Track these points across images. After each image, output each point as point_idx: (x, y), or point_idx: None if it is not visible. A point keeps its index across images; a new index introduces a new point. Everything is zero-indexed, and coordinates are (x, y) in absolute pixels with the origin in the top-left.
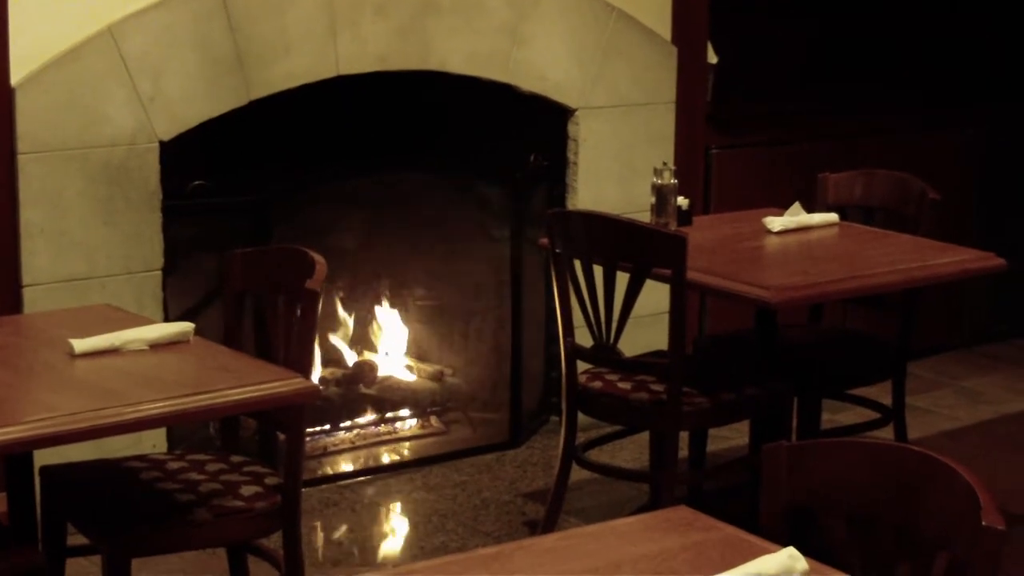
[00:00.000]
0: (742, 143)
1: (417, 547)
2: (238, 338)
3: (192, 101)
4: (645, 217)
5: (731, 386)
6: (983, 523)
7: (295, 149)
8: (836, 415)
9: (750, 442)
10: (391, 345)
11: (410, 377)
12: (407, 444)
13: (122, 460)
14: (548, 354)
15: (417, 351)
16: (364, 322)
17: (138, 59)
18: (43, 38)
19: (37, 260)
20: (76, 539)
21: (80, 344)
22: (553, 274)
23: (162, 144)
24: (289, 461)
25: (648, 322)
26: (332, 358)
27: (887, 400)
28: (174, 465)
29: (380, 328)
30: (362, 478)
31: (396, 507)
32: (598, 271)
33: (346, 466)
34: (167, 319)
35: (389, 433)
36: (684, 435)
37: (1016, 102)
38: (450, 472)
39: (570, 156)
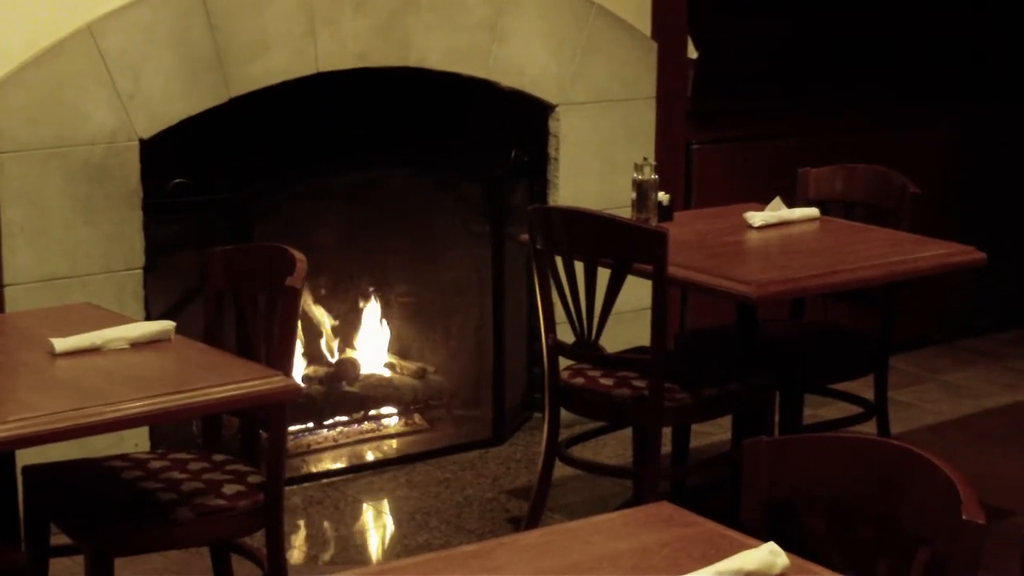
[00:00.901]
0: (722, 138)
1: (401, 545)
2: (219, 336)
3: (172, 99)
4: (626, 213)
5: (713, 381)
6: (963, 517)
7: (275, 147)
8: (818, 410)
9: (732, 437)
10: (373, 343)
11: (393, 375)
12: (390, 442)
13: (104, 459)
14: (531, 351)
15: (399, 348)
16: (346, 320)
17: (117, 57)
18: (22, 36)
19: (17, 259)
20: (59, 539)
21: (61, 343)
22: (534, 270)
23: (142, 142)
24: (271, 459)
25: (630, 318)
26: (314, 356)
27: (869, 395)
28: (156, 464)
29: (362, 326)
30: (345, 476)
31: (379, 505)
32: (579, 267)
33: (329, 464)
34: (148, 317)
35: (372, 431)
36: (667, 431)
37: (993, 97)
38: (433, 469)
39: (551, 152)
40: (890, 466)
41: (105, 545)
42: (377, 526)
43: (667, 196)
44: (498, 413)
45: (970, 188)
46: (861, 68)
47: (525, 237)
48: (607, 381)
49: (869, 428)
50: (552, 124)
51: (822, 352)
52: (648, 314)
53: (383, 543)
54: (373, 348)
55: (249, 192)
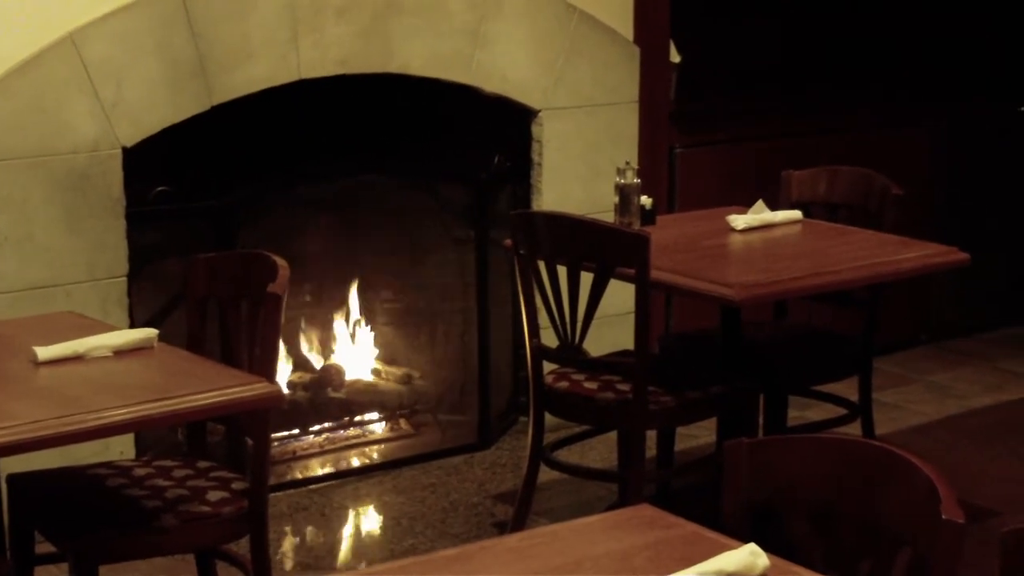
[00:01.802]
0: (706, 142)
1: (387, 550)
2: (202, 343)
3: (154, 107)
4: (609, 217)
5: (697, 384)
6: (943, 517)
7: (258, 154)
8: (804, 412)
9: (717, 440)
10: (358, 348)
11: (378, 380)
12: (376, 447)
13: (88, 467)
14: (516, 355)
15: (384, 354)
16: (331, 326)
17: (100, 65)
18: (4, 45)
19: (1, 268)
20: (44, 547)
21: (44, 352)
22: (518, 275)
23: (125, 150)
24: (255, 465)
25: (615, 321)
26: (300, 362)
27: (854, 396)
28: (141, 472)
29: (347, 331)
30: (331, 482)
31: (365, 510)
32: (563, 272)
33: (315, 470)
34: (133, 325)
35: (358, 436)
36: (652, 434)
37: (977, 97)
38: (419, 474)
39: (534, 157)
40: (870, 466)
41: (90, 552)
42: (363, 532)
43: (650, 200)
44: (483, 418)
45: (954, 188)
46: (843, 70)
47: (509, 242)
48: (591, 385)
49: (854, 429)
50: (535, 129)
51: (806, 354)
52: (632, 317)
53: (369, 549)
54: (358, 354)
55: (232, 199)
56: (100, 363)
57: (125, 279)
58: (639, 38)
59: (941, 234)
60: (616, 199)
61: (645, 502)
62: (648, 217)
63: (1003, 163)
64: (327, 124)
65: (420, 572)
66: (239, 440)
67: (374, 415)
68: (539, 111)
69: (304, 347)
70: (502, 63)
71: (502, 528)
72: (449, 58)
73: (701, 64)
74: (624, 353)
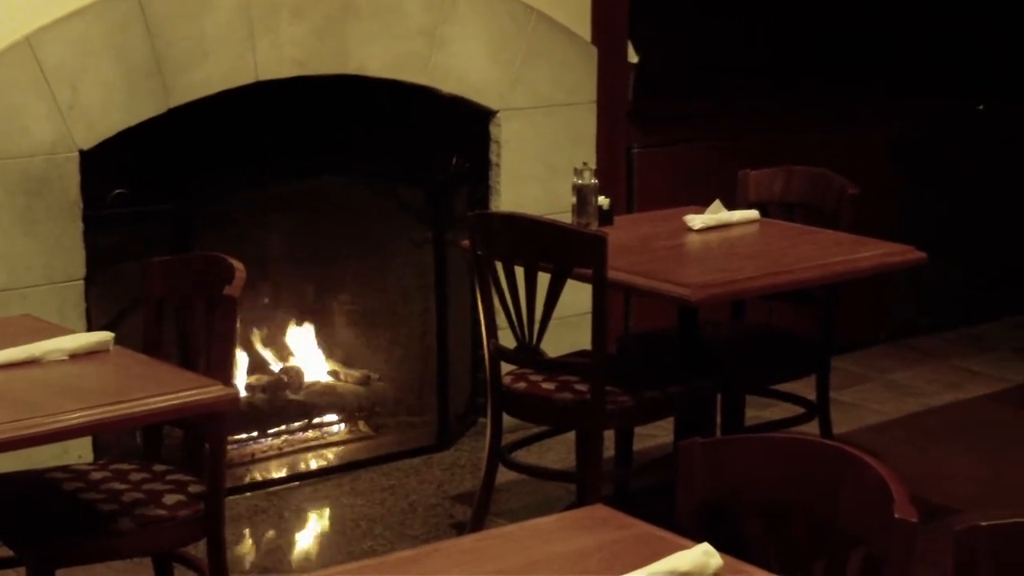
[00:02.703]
0: (663, 142)
1: (345, 552)
2: (159, 346)
3: (111, 109)
4: (568, 217)
5: (654, 384)
6: (896, 516)
7: (215, 156)
8: (762, 411)
9: (674, 440)
10: (317, 350)
11: (337, 382)
12: (335, 449)
13: (45, 471)
14: (475, 356)
15: (343, 356)
16: (289, 328)
17: (56, 68)
18: None
19: None
20: (1, 551)
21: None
22: (475, 276)
23: (82, 153)
24: (211, 468)
25: (574, 322)
26: (258, 364)
27: (812, 395)
28: (97, 475)
29: (306, 333)
30: (290, 484)
31: (324, 513)
32: (520, 272)
33: (274, 472)
34: (90, 329)
35: (316, 439)
36: (611, 434)
37: (934, 96)
38: (378, 476)
39: (492, 158)
40: (823, 466)
41: (46, 557)
42: (321, 534)
43: (607, 200)
44: (442, 419)
45: (912, 187)
46: (800, 71)
47: (466, 243)
48: (549, 385)
49: (812, 429)
50: (493, 130)
51: (763, 354)
52: (591, 318)
53: (327, 551)
54: (317, 356)
55: (190, 202)
56: (56, 367)
57: (82, 282)
58: (597, 39)
59: (899, 233)
60: (573, 200)
61: (600, 502)
62: (606, 217)
63: (960, 162)
64: (284, 126)
65: (374, 574)
66: (197, 443)
67: (333, 417)
68: (497, 112)
69: (262, 349)
70: (459, 64)
71: (461, 529)
72: (406, 59)
73: (659, 64)
74: (582, 353)
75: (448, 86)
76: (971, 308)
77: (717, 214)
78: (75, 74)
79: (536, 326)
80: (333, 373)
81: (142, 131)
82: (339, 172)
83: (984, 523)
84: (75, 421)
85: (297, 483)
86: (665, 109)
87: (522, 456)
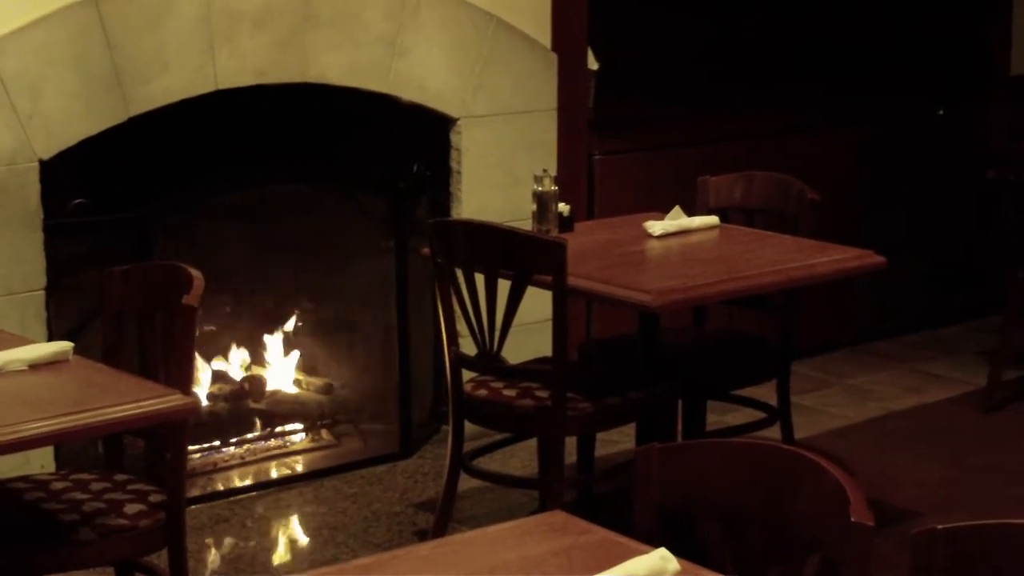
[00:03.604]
0: (624, 148)
1: (308, 561)
2: (119, 356)
3: (71, 119)
4: (529, 224)
5: (615, 390)
6: (852, 519)
7: (176, 165)
8: (724, 416)
9: (636, 446)
10: (279, 359)
11: (299, 390)
12: (297, 458)
13: (6, 481)
14: (437, 364)
15: (305, 364)
16: (251, 336)
17: (16, 78)
18: None
19: None
20: None
21: None
22: (436, 284)
23: (42, 163)
24: (172, 478)
25: (536, 329)
26: (220, 374)
27: (774, 400)
28: (58, 485)
29: (267, 342)
30: (252, 493)
31: (287, 521)
32: (481, 280)
33: (236, 481)
34: (51, 339)
35: (279, 447)
36: (573, 440)
37: (894, 100)
38: (341, 484)
39: (453, 165)
40: (780, 470)
41: (7, 567)
42: (284, 543)
43: (567, 207)
44: (405, 427)
45: (873, 192)
46: (761, 76)
47: (427, 251)
48: (510, 392)
49: (773, 433)
50: (454, 137)
51: (724, 359)
52: (552, 324)
53: (290, 559)
54: (279, 364)
55: (151, 211)
56: (15, 377)
57: (43, 292)
58: (557, 46)
59: (859, 238)
60: (534, 206)
61: (560, 508)
62: (566, 224)
63: (921, 166)
64: (245, 134)
65: None
66: (158, 453)
67: (295, 425)
68: (457, 119)
69: (224, 358)
70: (420, 72)
71: (424, 537)
72: (367, 67)
73: (620, 71)
74: (543, 360)
75: (409, 94)
76: (933, 312)
77: (677, 220)
78: (35, 84)
79: (497, 333)
80: (295, 382)
81: (102, 141)
82: (300, 180)
83: (940, 526)
84: (35, 431)
85: (259, 492)
86: (626, 115)
87: (485, 463)
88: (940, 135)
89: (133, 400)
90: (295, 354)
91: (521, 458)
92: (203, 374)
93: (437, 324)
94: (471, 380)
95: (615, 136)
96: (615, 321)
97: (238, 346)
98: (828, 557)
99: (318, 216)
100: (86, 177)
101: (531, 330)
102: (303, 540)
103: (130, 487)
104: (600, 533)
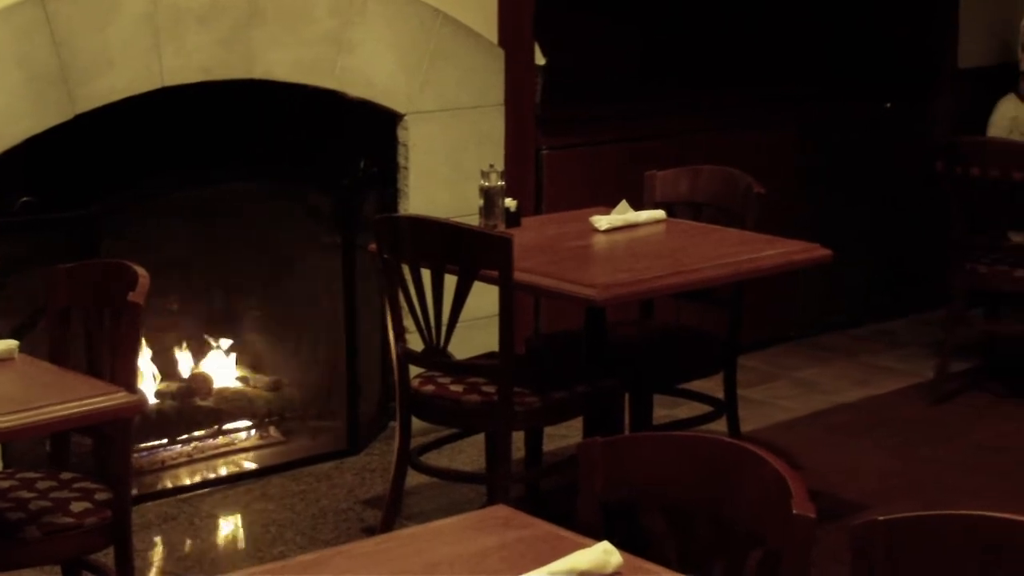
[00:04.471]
0: (572, 143)
1: (256, 558)
2: (64, 354)
3: (17, 117)
4: (476, 220)
5: (562, 384)
6: (794, 512)
7: (122, 163)
8: (673, 410)
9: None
10: (226, 356)
11: (246, 388)
12: (245, 455)
13: None
14: (384, 360)
15: (253, 361)
16: (198, 334)
17: None
18: None
19: None
20: None
21: None
22: (383, 280)
23: None
24: (118, 475)
25: (483, 324)
26: (167, 371)
27: (722, 394)
28: (4, 484)
29: (215, 339)
30: (200, 491)
31: (234, 519)
32: (428, 275)
33: (184, 479)
34: None
35: (227, 445)
36: (521, 435)
37: (842, 94)
38: (289, 482)
39: (400, 161)
40: (722, 463)
41: None
42: (232, 540)
43: (514, 202)
44: (353, 423)
45: (820, 185)
46: (708, 70)
47: (373, 247)
48: (457, 388)
49: (720, 426)
50: (401, 133)
51: (670, 352)
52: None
53: (238, 557)
54: (226, 361)
55: (97, 208)
56: None
57: None
58: (504, 41)
59: (807, 231)
60: (481, 202)
61: (517, 503)
62: (513, 219)
63: (867, 159)
64: (191, 132)
65: None
66: (105, 451)
67: (243, 423)
68: (404, 115)
69: (171, 356)
70: (366, 68)
71: (372, 533)
72: (313, 64)
73: (567, 66)
74: (490, 355)
75: (355, 90)
76: (881, 305)
77: (623, 215)
78: None
79: (444, 329)
80: (242, 379)
81: (48, 139)
82: (247, 177)
83: (881, 518)
84: None
85: (207, 489)
86: (573, 110)
87: (434, 459)
88: (886, 128)
89: (78, 398)
90: (242, 351)
91: (469, 453)
92: (149, 372)
93: (384, 320)
94: (418, 376)
95: (562, 131)
96: (563, 316)
97: (185, 343)
98: (770, 550)
99: (265, 213)
100: (32, 175)
101: (479, 325)
102: (250, 538)
103: (76, 485)
104: (543, 527)
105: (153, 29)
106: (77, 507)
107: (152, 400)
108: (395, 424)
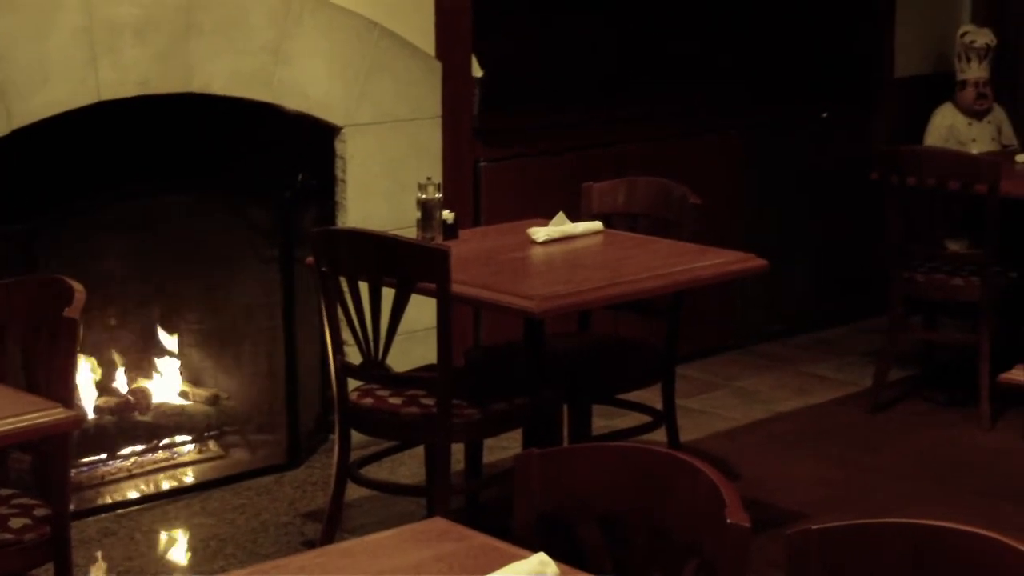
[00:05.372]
0: (510, 155)
1: (195, 573)
2: (0, 370)
3: None
4: (414, 232)
5: (501, 396)
6: (728, 521)
7: (59, 178)
8: (612, 420)
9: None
10: (164, 371)
11: (186, 402)
12: (185, 470)
13: None
14: (324, 373)
15: (191, 375)
16: (136, 348)
17: None
18: None
19: None
20: None
21: None
22: (321, 293)
23: None
24: (56, 490)
25: (422, 336)
26: (105, 386)
27: (661, 404)
28: None
29: (153, 354)
30: (140, 506)
31: (175, 533)
32: (366, 288)
33: (124, 494)
34: None
35: (166, 459)
36: (461, 447)
37: (778, 103)
38: (229, 496)
39: (338, 174)
40: (656, 473)
41: None
42: (172, 555)
43: (452, 214)
44: (293, 437)
45: (758, 195)
46: (644, 81)
47: (310, 260)
48: (396, 400)
49: (660, 437)
50: (339, 146)
51: (608, 363)
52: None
53: (178, 572)
54: (165, 376)
55: (34, 223)
56: None
57: None
58: (441, 53)
59: (744, 241)
60: (418, 214)
61: (457, 515)
62: (450, 231)
63: (804, 169)
64: (129, 145)
65: None
66: (43, 466)
67: (182, 437)
68: (342, 128)
69: (110, 371)
70: (304, 80)
71: (312, 547)
72: (250, 76)
73: (504, 78)
74: (428, 367)
75: (293, 103)
76: (816, 315)
77: (561, 226)
78: None
79: (382, 342)
80: (182, 393)
81: None
82: (184, 191)
83: (815, 527)
84: None
85: (147, 504)
86: (511, 123)
87: (374, 472)
88: (823, 138)
89: (15, 414)
90: (181, 366)
91: (410, 466)
92: (87, 387)
93: (323, 333)
94: (357, 389)
95: (500, 143)
96: (503, 328)
97: (123, 358)
98: (706, 559)
99: (203, 227)
100: None
101: (418, 338)
102: (191, 552)
103: (15, 501)
104: (480, 539)
105: (89, 43)
106: (16, 523)
107: (91, 415)
108: (335, 437)
